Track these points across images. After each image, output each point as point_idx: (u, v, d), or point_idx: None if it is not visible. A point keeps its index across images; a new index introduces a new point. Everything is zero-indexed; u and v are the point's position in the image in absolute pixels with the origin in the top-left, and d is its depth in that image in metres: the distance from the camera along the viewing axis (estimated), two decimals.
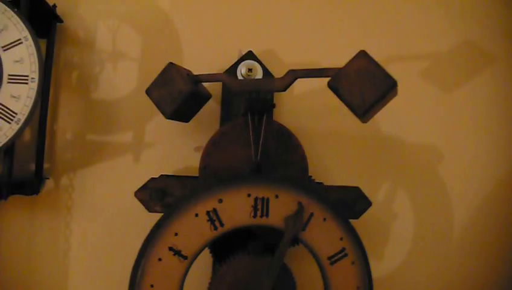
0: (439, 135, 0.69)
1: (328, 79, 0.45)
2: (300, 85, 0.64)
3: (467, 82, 0.70)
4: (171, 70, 0.49)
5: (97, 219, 0.60)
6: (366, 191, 0.55)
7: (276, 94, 0.62)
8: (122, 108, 0.62)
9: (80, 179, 0.60)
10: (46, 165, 0.60)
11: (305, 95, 0.64)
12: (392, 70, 0.66)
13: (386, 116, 0.66)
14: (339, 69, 0.44)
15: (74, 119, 0.61)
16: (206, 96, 0.53)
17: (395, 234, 0.66)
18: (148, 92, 0.49)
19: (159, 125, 0.62)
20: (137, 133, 0.61)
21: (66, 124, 0.61)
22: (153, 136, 0.61)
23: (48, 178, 0.59)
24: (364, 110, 0.43)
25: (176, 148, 0.61)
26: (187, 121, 0.53)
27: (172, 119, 0.49)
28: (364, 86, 0.43)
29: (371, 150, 0.66)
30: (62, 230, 0.59)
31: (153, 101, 0.49)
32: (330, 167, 0.63)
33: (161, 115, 0.59)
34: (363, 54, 0.44)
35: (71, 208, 0.60)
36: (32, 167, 0.58)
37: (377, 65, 0.43)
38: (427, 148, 0.68)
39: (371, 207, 0.63)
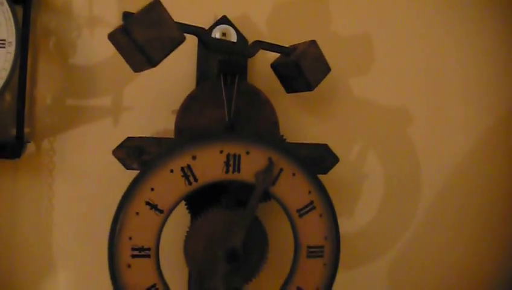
0: (410, 97, 0.72)
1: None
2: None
3: (444, 47, 0.73)
4: (161, 10, 0.42)
5: (78, 179, 0.62)
6: (337, 150, 0.58)
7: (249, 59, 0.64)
8: (100, 73, 0.63)
9: (60, 143, 0.62)
10: (26, 130, 0.61)
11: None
12: (367, 33, 0.69)
13: (358, 79, 0.69)
14: (299, 51, 0.54)
15: (53, 85, 0.62)
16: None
17: (366, 192, 0.70)
18: (129, 29, 0.41)
19: (137, 89, 0.63)
20: (115, 97, 0.63)
21: (45, 89, 0.62)
22: (131, 100, 0.63)
23: (29, 142, 0.61)
24: (316, 85, 0.55)
25: (154, 111, 0.63)
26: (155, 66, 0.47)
27: (153, 66, 0.44)
28: (316, 69, 0.54)
29: (342, 111, 0.69)
30: (45, 192, 0.61)
31: (136, 42, 0.41)
32: (302, 128, 0.66)
33: (139, 77, 0.61)
34: (315, 43, 0.55)
35: (53, 170, 0.62)
36: (13, 131, 0.59)
37: (322, 54, 0.55)
38: (397, 110, 0.71)
39: (342, 167, 0.66)
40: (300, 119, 0.67)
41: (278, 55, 0.58)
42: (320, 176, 0.53)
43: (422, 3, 0.72)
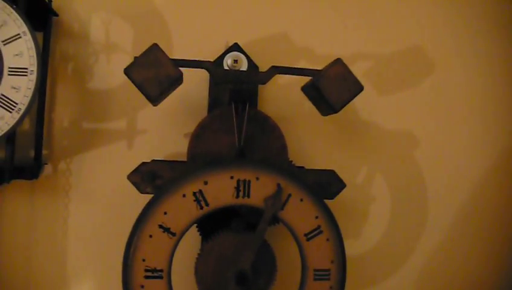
0: (416, 122, 0.73)
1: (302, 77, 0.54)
2: (282, 76, 0.68)
3: (444, 69, 0.74)
4: (157, 52, 0.48)
5: (93, 201, 0.64)
6: (344, 175, 0.60)
7: (260, 86, 0.66)
8: (115, 97, 0.65)
9: (76, 164, 0.64)
10: (44, 152, 0.63)
11: (286, 85, 0.68)
12: (371, 55, 0.71)
13: (364, 103, 0.71)
14: (320, 71, 0.53)
15: (70, 108, 0.65)
16: (180, 82, 0.53)
17: (372, 215, 0.71)
18: (129, 72, 0.48)
19: (151, 114, 0.66)
20: (130, 121, 0.65)
21: (63, 113, 0.65)
22: (145, 124, 0.65)
23: (47, 163, 0.63)
24: (340, 107, 0.53)
25: (166, 135, 0.65)
26: (155, 105, 0.54)
27: (152, 101, 0.51)
28: (340, 88, 0.52)
29: (349, 135, 0.70)
30: (60, 212, 0.64)
31: (134, 82, 0.48)
32: (310, 152, 0.68)
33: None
34: (340, 62, 0.53)
35: (69, 191, 0.64)
36: (32, 153, 0.62)
37: (349, 72, 0.53)
38: (403, 134, 0.72)
39: (350, 190, 0.68)
40: (308, 144, 0.68)
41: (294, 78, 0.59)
42: (328, 201, 0.54)
43: (432, 27, 0.74)
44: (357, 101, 0.70)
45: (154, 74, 0.48)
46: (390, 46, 0.73)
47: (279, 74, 0.53)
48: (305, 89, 0.56)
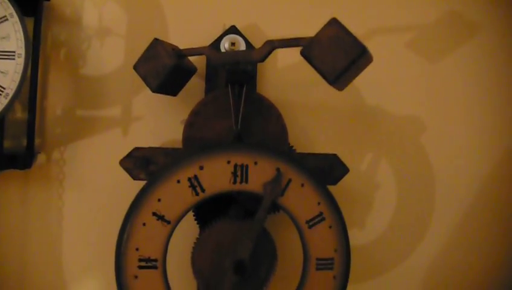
0: (423, 107, 0.70)
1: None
2: (283, 58, 0.66)
3: (451, 53, 0.71)
4: (156, 46, 0.50)
5: (87, 189, 0.62)
6: (349, 161, 0.57)
7: (260, 68, 0.64)
8: (109, 83, 0.63)
9: (70, 153, 0.62)
10: (37, 141, 0.61)
11: (288, 68, 0.65)
12: (376, 42, 0.68)
13: (370, 88, 0.68)
14: (311, 38, 0.46)
15: (63, 95, 0.63)
16: (192, 70, 0.54)
17: (378, 203, 0.69)
18: (136, 67, 0.51)
19: (146, 100, 0.63)
20: (125, 108, 0.63)
21: (55, 100, 0.63)
22: (140, 110, 0.63)
23: (40, 152, 0.61)
24: (335, 77, 0.44)
25: (162, 121, 0.63)
26: (175, 95, 0.55)
27: (159, 92, 0.51)
28: (335, 53, 0.44)
29: (354, 121, 0.68)
30: (54, 201, 0.62)
31: (140, 76, 0.51)
32: (313, 138, 0.65)
33: (148, 89, 0.61)
34: (334, 22, 0.45)
35: (63, 180, 0.62)
36: (24, 142, 0.60)
37: (347, 32, 0.44)
38: (410, 119, 0.70)
39: (354, 177, 0.65)
40: (310, 129, 0.66)
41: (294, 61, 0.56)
42: (330, 187, 0.52)
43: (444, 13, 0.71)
44: (363, 85, 0.68)
45: (153, 66, 0.50)
46: (399, 31, 0.70)
47: (275, 47, 0.49)
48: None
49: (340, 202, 0.53)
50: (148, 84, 0.50)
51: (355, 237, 0.68)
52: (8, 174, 0.61)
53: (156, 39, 0.51)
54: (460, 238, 0.71)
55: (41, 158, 0.62)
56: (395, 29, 0.70)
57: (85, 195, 0.62)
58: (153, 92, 0.50)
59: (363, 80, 0.68)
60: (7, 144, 0.60)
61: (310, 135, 0.66)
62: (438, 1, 0.70)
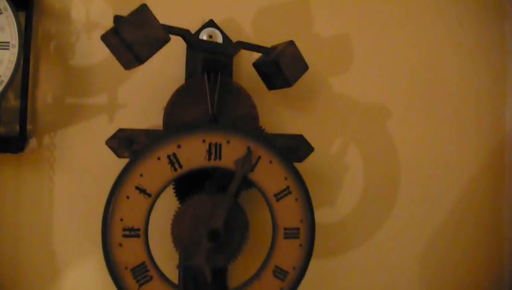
0: (389, 94, 0.76)
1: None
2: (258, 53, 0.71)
3: (421, 43, 0.77)
4: (148, 13, 0.47)
5: (76, 172, 0.67)
6: (318, 145, 0.63)
7: (236, 60, 0.69)
8: (96, 73, 0.68)
9: (60, 138, 0.67)
10: (29, 127, 0.66)
11: None
12: (344, 28, 0.74)
13: (337, 77, 0.74)
14: (277, 50, 0.58)
15: (54, 85, 0.68)
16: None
17: (346, 184, 0.74)
18: (120, 30, 0.46)
19: (131, 88, 0.68)
20: (111, 96, 0.68)
21: (46, 89, 0.67)
22: (125, 99, 0.68)
23: (32, 138, 0.66)
24: (293, 82, 0.59)
25: (146, 108, 0.68)
26: (133, 67, 0.52)
27: (139, 63, 0.49)
28: (294, 66, 0.59)
29: (323, 108, 0.73)
30: (46, 183, 0.66)
31: (125, 42, 0.46)
32: (284, 124, 0.71)
33: (133, 79, 0.66)
34: (293, 43, 0.59)
35: (53, 163, 0.67)
36: (17, 128, 0.64)
37: (299, 53, 0.60)
38: (376, 106, 0.76)
39: (324, 160, 0.71)
40: (281, 116, 0.71)
41: (261, 55, 0.63)
42: (304, 168, 0.58)
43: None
44: (331, 75, 0.74)
45: (145, 35, 0.47)
46: (362, 23, 0.76)
47: (244, 49, 0.57)
48: (258, 64, 0.62)
49: (312, 183, 0.58)
50: (136, 53, 0.47)
51: (326, 215, 0.74)
52: (2, 158, 0.65)
53: (145, 5, 0.47)
54: (427, 218, 0.77)
55: (33, 143, 0.67)
56: (367, 23, 0.75)
57: (74, 177, 0.67)
58: (141, 63, 0.48)
59: (332, 70, 0.74)
60: (1, 129, 0.65)
61: (282, 121, 0.71)
62: None
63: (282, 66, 0.57)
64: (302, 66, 0.60)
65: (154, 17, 0.49)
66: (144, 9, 0.48)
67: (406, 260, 0.76)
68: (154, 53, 0.49)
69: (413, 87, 0.77)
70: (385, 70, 0.76)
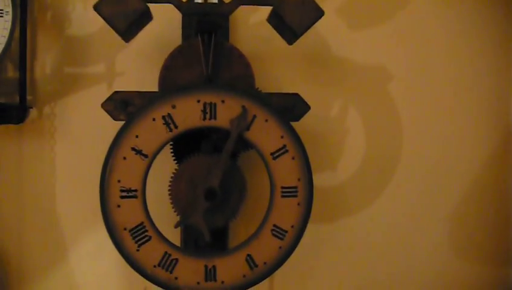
0: (389, 56, 0.75)
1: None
2: (256, 14, 0.70)
3: (421, 4, 0.75)
4: None
5: (77, 140, 0.68)
6: (318, 108, 0.62)
7: (234, 22, 0.68)
8: (94, 42, 0.68)
9: (60, 108, 0.68)
10: (29, 97, 0.67)
11: (258, 24, 0.70)
12: None
13: (337, 40, 0.73)
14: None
15: (52, 55, 0.68)
16: (149, 18, 0.56)
17: (348, 147, 0.74)
18: (98, 7, 0.52)
19: (128, 57, 0.68)
20: (108, 64, 0.68)
21: (44, 59, 0.68)
22: (122, 66, 0.68)
23: (32, 108, 0.67)
24: (301, 32, 0.55)
25: (143, 75, 0.68)
26: (127, 41, 0.56)
27: (123, 36, 0.54)
28: (302, 14, 0.54)
29: (322, 70, 0.72)
30: (47, 153, 0.67)
31: (104, 17, 0.52)
32: (282, 87, 0.70)
33: (130, 47, 0.66)
34: None
35: (54, 133, 0.67)
36: (17, 99, 0.65)
37: None
38: (376, 68, 0.75)
39: (324, 123, 0.71)
40: (280, 80, 0.71)
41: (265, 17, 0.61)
42: (304, 131, 0.57)
43: None
44: (329, 35, 0.72)
45: (122, 9, 0.52)
46: None
47: (242, 4, 0.55)
48: (269, 19, 0.58)
49: (311, 145, 0.58)
50: (113, 26, 0.52)
51: (328, 179, 0.73)
52: (3, 128, 0.66)
53: None
54: (429, 180, 0.76)
55: (33, 113, 0.67)
56: None
57: (75, 145, 0.68)
58: (121, 34, 0.53)
59: (330, 30, 0.73)
60: (1, 100, 0.65)
61: (279, 84, 0.71)
62: None
63: (285, 15, 0.54)
64: (312, 12, 0.54)
65: None
66: None
67: (405, 224, 0.75)
68: (135, 25, 0.53)
69: (418, 48, 0.76)
70: (384, 30, 0.74)
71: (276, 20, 0.56)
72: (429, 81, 0.76)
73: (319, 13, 0.55)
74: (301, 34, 0.55)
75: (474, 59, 0.77)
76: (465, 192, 0.76)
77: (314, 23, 0.55)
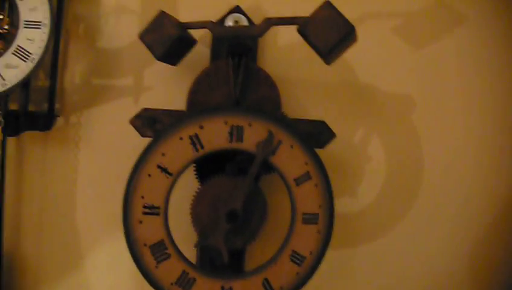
0: (414, 85, 0.75)
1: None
2: (284, 37, 0.71)
3: (440, 38, 0.76)
4: (162, 18, 0.55)
5: (101, 150, 0.68)
6: (341, 135, 0.62)
7: (261, 44, 0.69)
8: (123, 56, 0.69)
9: (86, 118, 0.69)
10: (57, 106, 0.68)
11: (287, 46, 0.70)
12: (366, 27, 0.73)
13: (363, 68, 0.73)
14: (307, 17, 0.52)
15: (82, 66, 0.69)
16: (192, 42, 0.60)
17: (368, 174, 0.73)
18: (141, 36, 0.56)
19: (157, 71, 0.69)
20: (137, 78, 0.69)
21: (74, 69, 0.69)
22: (151, 81, 0.69)
23: (59, 116, 0.68)
24: (328, 50, 0.52)
25: (171, 91, 0.69)
26: (175, 64, 0.60)
27: (162, 60, 0.57)
28: (328, 31, 0.52)
29: (347, 97, 0.73)
30: (71, 161, 0.68)
31: (146, 44, 0.55)
32: (308, 112, 0.70)
33: (158, 62, 0.67)
34: (327, 4, 0.52)
35: (79, 142, 0.69)
36: (45, 106, 0.66)
37: (339, 13, 0.52)
38: (401, 97, 0.75)
39: (346, 150, 0.71)
40: (306, 104, 0.71)
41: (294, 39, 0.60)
42: (326, 156, 0.57)
43: None
44: (356, 62, 0.73)
45: (159, 36, 0.54)
46: (392, 13, 0.75)
47: (273, 25, 0.55)
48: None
49: (333, 171, 0.58)
50: (153, 52, 0.55)
51: (347, 206, 0.73)
52: (31, 135, 0.67)
53: (161, 11, 0.55)
54: (450, 209, 0.75)
55: (60, 122, 0.69)
56: (388, 12, 0.74)
57: (97, 155, 0.69)
58: (158, 59, 0.55)
59: (357, 60, 0.73)
60: (31, 107, 0.67)
61: (305, 109, 0.71)
62: None
63: (308, 35, 0.52)
64: (339, 29, 0.50)
65: (168, 20, 0.55)
66: (159, 15, 0.55)
67: (428, 250, 0.74)
68: (168, 48, 0.55)
69: (441, 81, 0.76)
70: (411, 59, 0.74)
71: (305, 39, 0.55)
72: (452, 111, 0.76)
73: (349, 28, 0.51)
74: (327, 53, 0.53)
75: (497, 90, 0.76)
76: (487, 228, 0.75)
77: (342, 39, 0.51)
